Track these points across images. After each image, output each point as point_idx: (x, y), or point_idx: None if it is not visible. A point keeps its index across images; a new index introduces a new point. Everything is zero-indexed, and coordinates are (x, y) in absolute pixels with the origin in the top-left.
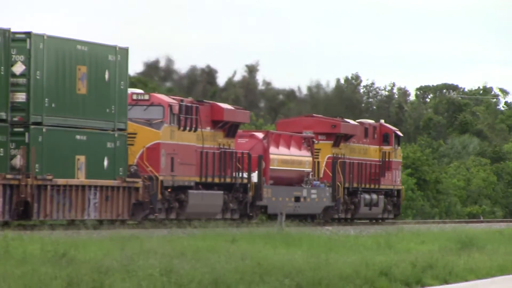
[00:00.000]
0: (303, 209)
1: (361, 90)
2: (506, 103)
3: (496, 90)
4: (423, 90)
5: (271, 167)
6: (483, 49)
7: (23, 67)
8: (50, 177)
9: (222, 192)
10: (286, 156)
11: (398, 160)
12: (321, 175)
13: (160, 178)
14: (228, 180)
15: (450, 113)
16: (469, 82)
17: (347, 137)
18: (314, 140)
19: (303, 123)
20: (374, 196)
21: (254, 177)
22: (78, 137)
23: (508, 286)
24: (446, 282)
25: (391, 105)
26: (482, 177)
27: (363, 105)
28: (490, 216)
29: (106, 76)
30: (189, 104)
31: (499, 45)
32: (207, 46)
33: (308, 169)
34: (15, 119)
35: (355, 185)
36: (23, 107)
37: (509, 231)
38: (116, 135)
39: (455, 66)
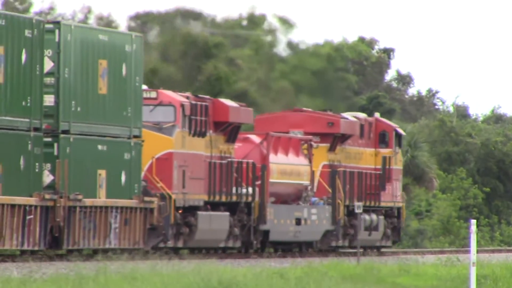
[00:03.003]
0: (303, 235)
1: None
2: (291, 43)
3: (273, 21)
4: (139, 20)
5: (270, 180)
6: None
7: (51, 63)
8: (80, 197)
9: (228, 213)
10: (285, 165)
11: (398, 167)
12: (315, 189)
13: (173, 196)
14: (234, 198)
15: (191, 59)
16: (223, 6)
17: (344, 138)
18: (312, 143)
19: (290, 120)
20: (374, 217)
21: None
22: (99, 147)
23: None
24: None
25: None
26: None
27: None
28: None
29: (123, 70)
30: (199, 103)
31: None
32: None
33: (306, 181)
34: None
35: (355, 202)
36: (51, 112)
37: (296, 273)
38: (132, 143)
39: None
